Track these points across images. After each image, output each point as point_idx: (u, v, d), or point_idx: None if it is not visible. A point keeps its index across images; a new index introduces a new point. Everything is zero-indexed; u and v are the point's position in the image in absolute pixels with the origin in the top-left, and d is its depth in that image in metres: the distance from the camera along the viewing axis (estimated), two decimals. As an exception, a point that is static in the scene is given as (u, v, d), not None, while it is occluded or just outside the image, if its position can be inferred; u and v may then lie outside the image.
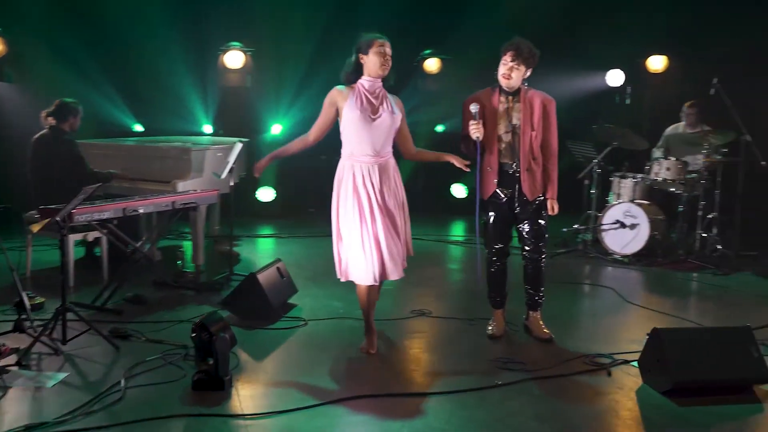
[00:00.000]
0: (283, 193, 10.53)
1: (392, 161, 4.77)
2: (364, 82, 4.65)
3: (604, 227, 7.90)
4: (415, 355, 4.94)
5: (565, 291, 6.57)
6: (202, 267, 6.73)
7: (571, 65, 10.29)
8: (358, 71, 4.67)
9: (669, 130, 8.73)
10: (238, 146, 6.65)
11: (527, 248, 5.13)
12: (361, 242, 4.59)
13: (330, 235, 4.77)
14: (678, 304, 6.30)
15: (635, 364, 4.60)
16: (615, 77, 10.27)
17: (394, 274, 4.66)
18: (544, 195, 5.07)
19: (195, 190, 6.45)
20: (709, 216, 7.89)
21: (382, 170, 4.66)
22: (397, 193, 4.76)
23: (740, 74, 8.19)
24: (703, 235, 7.88)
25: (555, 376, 4.45)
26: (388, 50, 4.60)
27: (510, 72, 4.92)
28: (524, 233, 5.11)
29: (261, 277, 5.54)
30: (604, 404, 4.12)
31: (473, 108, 4.86)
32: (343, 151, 4.72)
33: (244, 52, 9.95)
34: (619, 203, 7.91)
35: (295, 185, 10.47)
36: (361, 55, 4.63)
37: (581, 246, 8.25)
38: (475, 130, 4.83)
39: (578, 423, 3.86)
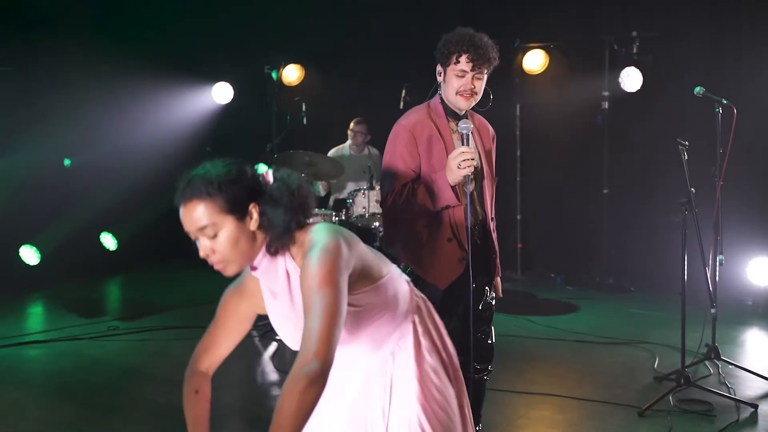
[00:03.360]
0: None
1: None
2: None
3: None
4: None
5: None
6: None
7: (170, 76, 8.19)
8: None
9: (333, 152, 7.31)
10: None
11: (477, 353, 3.24)
12: None
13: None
14: (499, 370, 4.96)
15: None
16: (223, 92, 8.39)
17: None
18: None
19: None
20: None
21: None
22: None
23: (424, 83, 7.21)
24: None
25: None
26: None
27: (473, 85, 3.00)
28: (479, 333, 3.21)
29: None
30: None
31: (464, 127, 2.80)
32: None
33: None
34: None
35: None
36: None
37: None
38: (470, 163, 2.78)
39: None
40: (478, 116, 3.26)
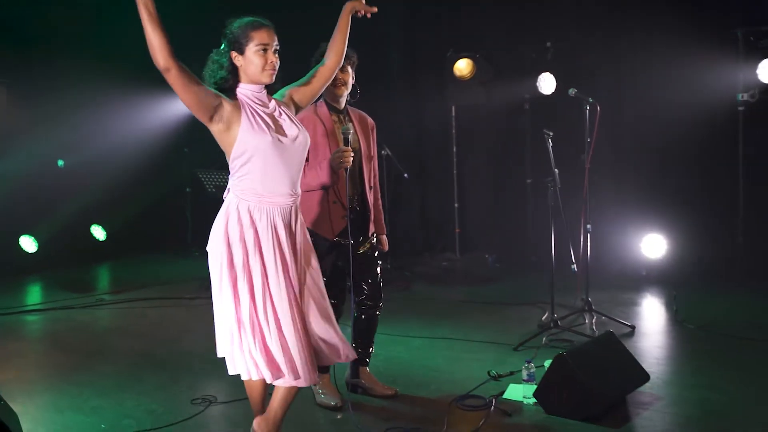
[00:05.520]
0: None
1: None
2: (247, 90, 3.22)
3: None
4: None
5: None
6: None
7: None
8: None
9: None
10: None
11: (365, 295, 4.31)
12: (252, 322, 3.21)
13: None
14: (416, 324, 6.05)
15: (511, 396, 4.27)
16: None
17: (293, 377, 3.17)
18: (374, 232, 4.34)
19: None
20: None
21: (296, 215, 3.31)
22: (309, 250, 3.40)
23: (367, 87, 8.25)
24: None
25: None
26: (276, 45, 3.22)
27: (342, 77, 4.07)
28: (362, 279, 4.28)
29: (-7, 409, 3.53)
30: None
31: (347, 131, 3.86)
32: (239, 188, 3.20)
33: None
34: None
35: None
36: (234, 54, 3.19)
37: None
38: (348, 159, 3.84)
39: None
40: (358, 111, 4.31)
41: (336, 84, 4.07)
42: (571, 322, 5.75)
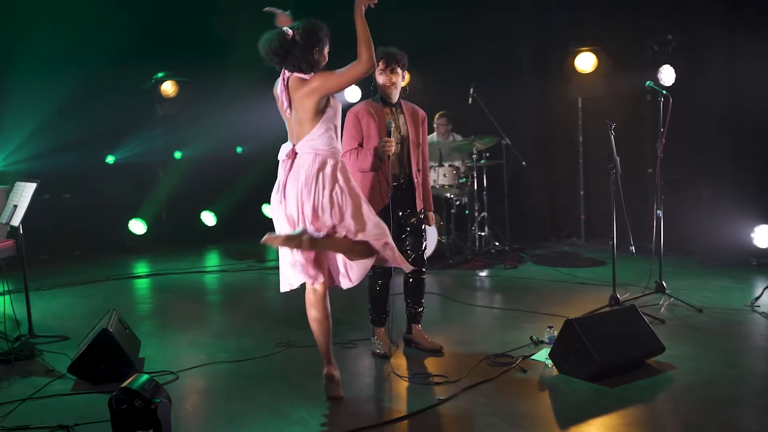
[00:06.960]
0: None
1: None
2: None
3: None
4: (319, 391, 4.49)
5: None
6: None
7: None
8: None
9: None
10: (30, 186, 5.63)
11: (410, 261, 5.08)
12: None
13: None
14: (499, 297, 6.70)
15: (537, 357, 4.83)
16: (352, 92, 10.55)
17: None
18: (422, 208, 5.10)
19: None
20: (480, 216, 8.51)
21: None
22: None
23: (492, 82, 8.90)
24: (480, 234, 8.48)
25: (482, 382, 4.45)
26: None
27: (391, 78, 4.85)
28: (408, 247, 5.06)
29: (114, 332, 4.75)
30: (544, 398, 4.24)
31: (389, 125, 4.71)
32: (328, 147, 4.12)
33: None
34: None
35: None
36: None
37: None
38: (390, 148, 4.67)
39: (535, 416, 3.95)
40: (411, 105, 5.06)
41: (385, 83, 4.86)
42: (643, 303, 6.09)
